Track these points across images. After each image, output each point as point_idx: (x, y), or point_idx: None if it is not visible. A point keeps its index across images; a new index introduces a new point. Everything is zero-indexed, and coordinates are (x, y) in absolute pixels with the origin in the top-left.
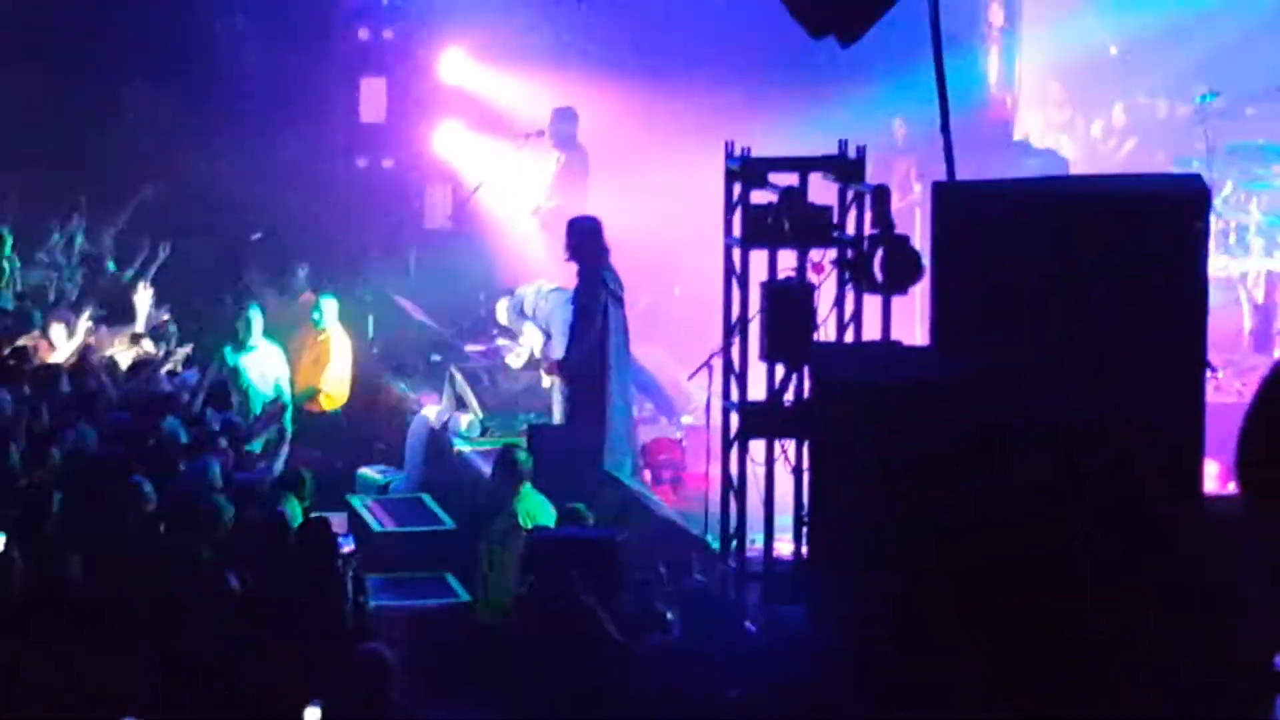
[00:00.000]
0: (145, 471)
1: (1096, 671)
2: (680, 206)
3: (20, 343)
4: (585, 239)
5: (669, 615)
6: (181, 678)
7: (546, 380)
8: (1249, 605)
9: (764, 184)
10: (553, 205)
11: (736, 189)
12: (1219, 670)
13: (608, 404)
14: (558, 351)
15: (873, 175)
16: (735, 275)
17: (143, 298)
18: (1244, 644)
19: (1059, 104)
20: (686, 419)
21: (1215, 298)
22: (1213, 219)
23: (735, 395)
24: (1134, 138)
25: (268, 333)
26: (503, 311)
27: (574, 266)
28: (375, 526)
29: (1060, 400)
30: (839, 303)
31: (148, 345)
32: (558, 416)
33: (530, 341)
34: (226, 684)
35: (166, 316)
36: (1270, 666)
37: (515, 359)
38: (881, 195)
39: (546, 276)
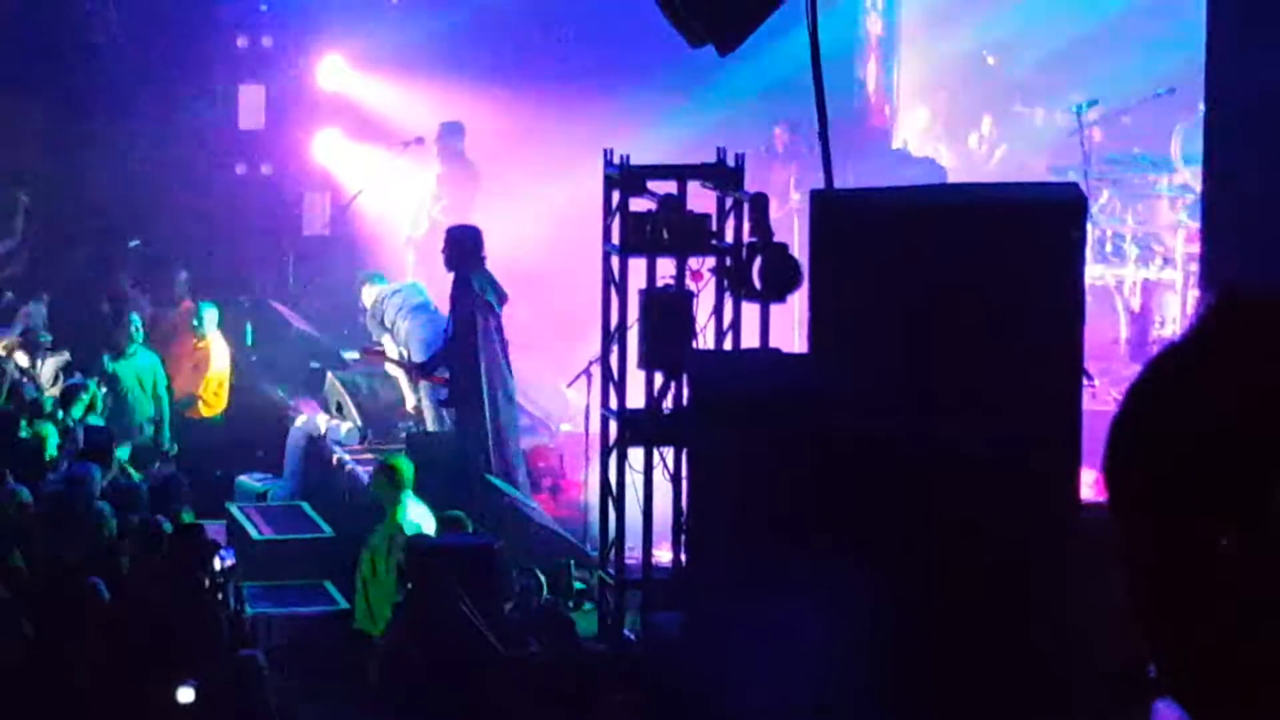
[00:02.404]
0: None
1: (964, 675)
2: (560, 214)
3: None
4: (455, 248)
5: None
6: (51, 686)
7: (410, 400)
8: (1123, 612)
9: (643, 191)
10: (423, 231)
11: (615, 196)
12: (1094, 678)
13: (483, 412)
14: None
15: (752, 183)
16: (614, 283)
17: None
18: (1118, 650)
19: (935, 113)
20: (565, 427)
21: (1091, 306)
22: (1089, 227)
23: (614, 403)
24: (1004, 145)
25: (146, 340)
26: (368, 297)
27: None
28: (254, 534)
29: (937, 409)
30: (718, 310)
31: (20, 357)
32: (430, 424)
33: (390, 353)
34: (98, 692)
35: (27, 306)
36: (1144, 673)
37: (394, 367)
38: (760, 203)
39: (424, 282)
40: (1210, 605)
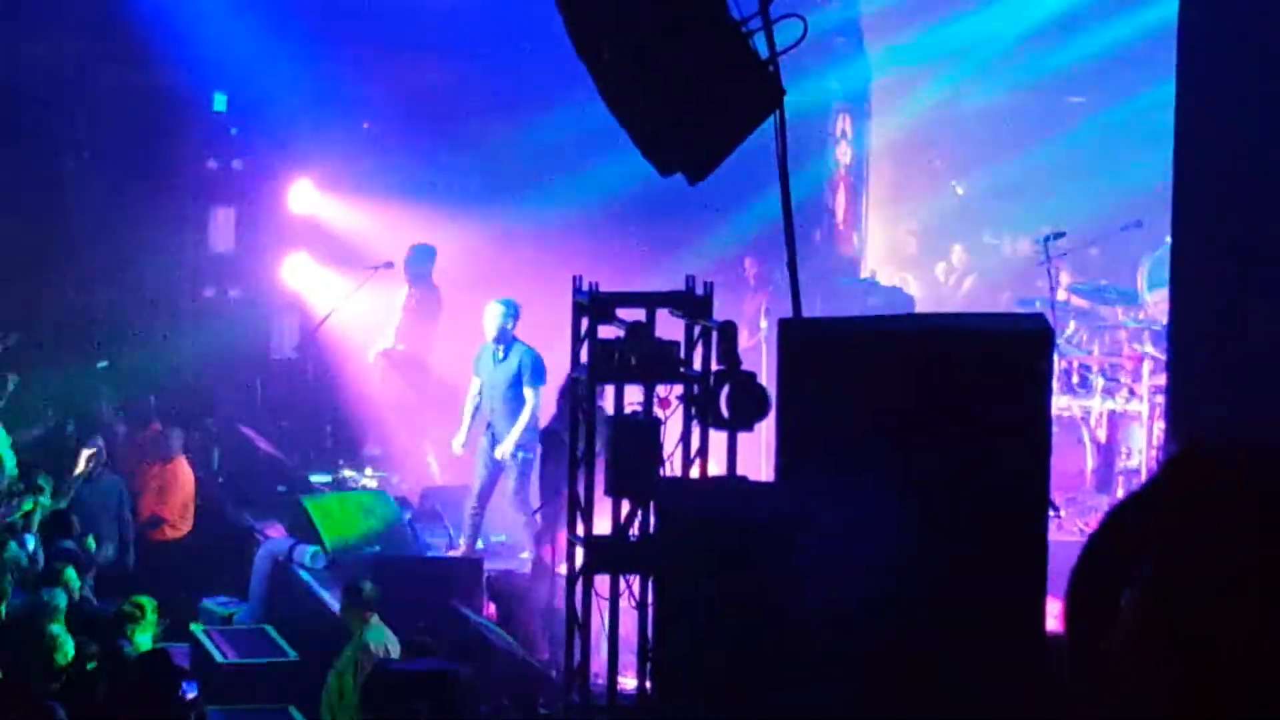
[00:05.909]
0: None
1: None
2: (527, 340)
3: None
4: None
5: None
6: None
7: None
8: None
9: (611, 319)
10: (401, 348)
11: (584, 323)
12: None
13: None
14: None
15: (722, 312)
16: (582, 409)
17: None
18: None
19: (904, 242)
20: (524, 554)
21: (1058, 437)
22: (1056, 358)
23: (581, 529)
24: (973, 275)
25: (111, 462)
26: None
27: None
28: (218, 658)
29: (903, 539)
30: (685, 438)
31: None
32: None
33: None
34: None
35: None
36: None
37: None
38: (728, 331)
39: (397, 410)
40: None
